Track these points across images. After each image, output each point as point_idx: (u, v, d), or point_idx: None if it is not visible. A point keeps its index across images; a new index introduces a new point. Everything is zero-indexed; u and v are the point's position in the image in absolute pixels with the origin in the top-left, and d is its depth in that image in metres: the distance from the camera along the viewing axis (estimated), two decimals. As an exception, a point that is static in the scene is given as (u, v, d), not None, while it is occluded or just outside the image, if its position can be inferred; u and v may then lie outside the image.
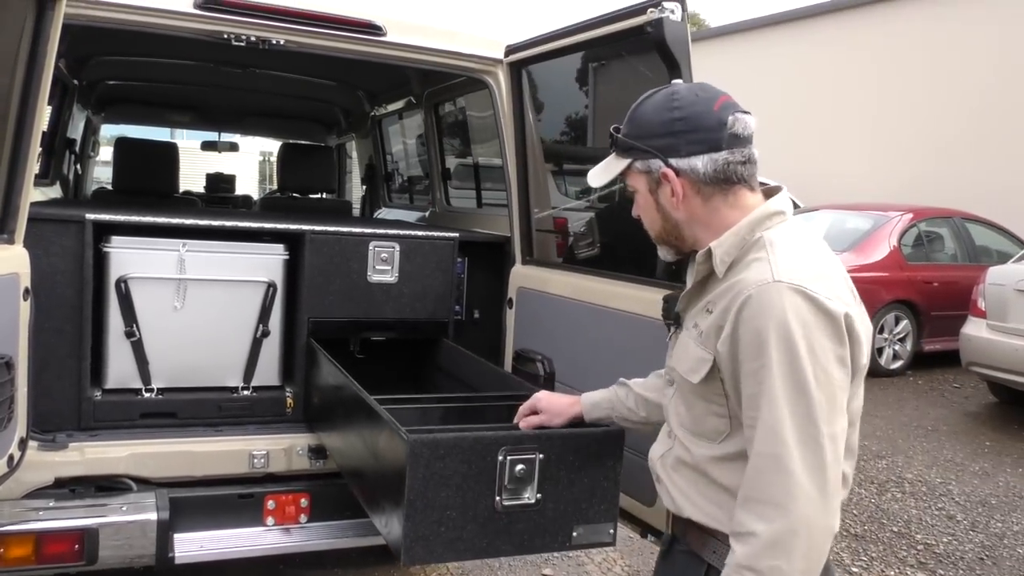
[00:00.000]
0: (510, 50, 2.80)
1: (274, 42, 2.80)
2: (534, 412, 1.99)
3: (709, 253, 1.50)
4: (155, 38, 2.78)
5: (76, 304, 2.65)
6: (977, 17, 12.60)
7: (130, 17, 2.57)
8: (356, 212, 5.80)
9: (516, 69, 2.79)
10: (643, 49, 2.06)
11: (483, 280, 3.31)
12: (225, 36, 2.74)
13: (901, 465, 5.83)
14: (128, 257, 2.74)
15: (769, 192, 1.57)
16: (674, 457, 1.60)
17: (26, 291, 2.29)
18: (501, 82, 3.10)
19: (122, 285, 2.72)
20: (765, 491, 1.35)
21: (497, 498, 1.84)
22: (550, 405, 1.99)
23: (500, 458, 1.83)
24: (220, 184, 6.92)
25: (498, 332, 3.27)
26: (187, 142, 9.83)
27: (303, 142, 6.00)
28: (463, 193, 4.47)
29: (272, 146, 19.21)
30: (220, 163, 9.52)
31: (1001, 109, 12.18)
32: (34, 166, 2.26)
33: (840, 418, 1.37)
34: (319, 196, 5.23)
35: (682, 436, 1.58)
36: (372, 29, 2.88)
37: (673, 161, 1.50)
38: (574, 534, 1.93)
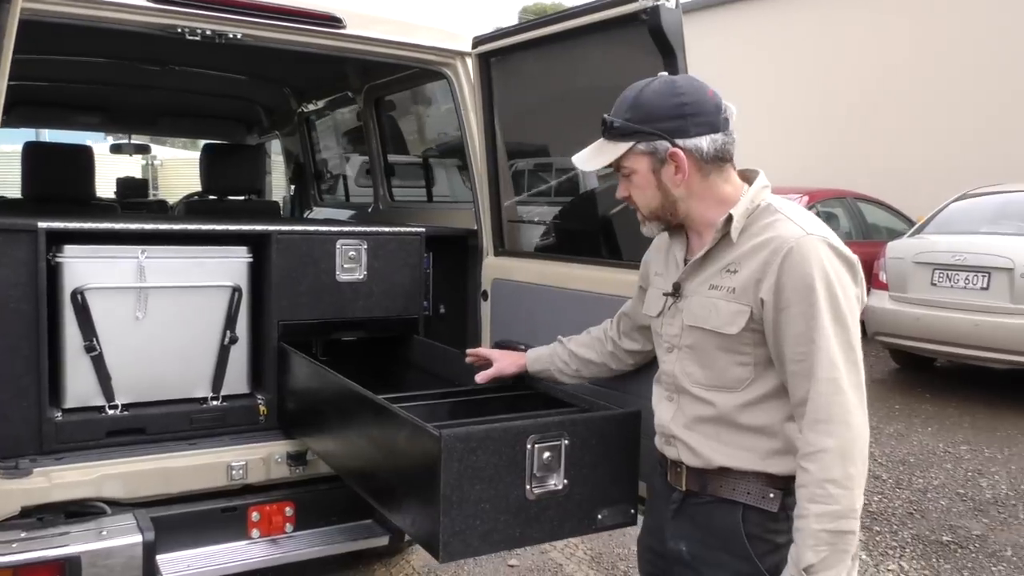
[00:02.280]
0: (478, 41, 2.78)
1: (231, 36, 2.69)
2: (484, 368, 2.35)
3: (729, 220, 1.67)
4: (61, 33, 2.63)
5: (31, 319, 2.46)
6: (857, 17, 13.50)
7: (82, 11, 2.42)
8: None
9: (485, 60, 2.78)
10: (635, 37, 2.09)
11: (448, 274, 3.29)
12: (179, 30, 2.62)
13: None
14: (84, 267, 2.58)
15: (742, 172, 1.77)
16: (688, 416, 1.75)
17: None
18: (461, 74, 3.08)
19: (79, 297, 2.56)
20: (829, 411, 1.52)
21: (528, 487, 1.85)
22: (502, 355, 2.38)
23: (528, 447, 1.84)
24: (132, 189, 6.57)
25: (464, 326, 3.26)
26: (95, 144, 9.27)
27: (226, 142, 5.76)
28: (407, 189, 4.41)
29: (155, 149, 18.41)
30: (114, 167, 9.06)
31: (881, 97, 13.02)
32: None
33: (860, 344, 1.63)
34: (245, 198, 5.05)
35: (699, 393, 1.73)
36: (332, 21, 2.81)
37: (680, 141, 1.67)
38: (599, 516, 1.96)
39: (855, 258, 1.62)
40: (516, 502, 1.83)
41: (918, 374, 7.85)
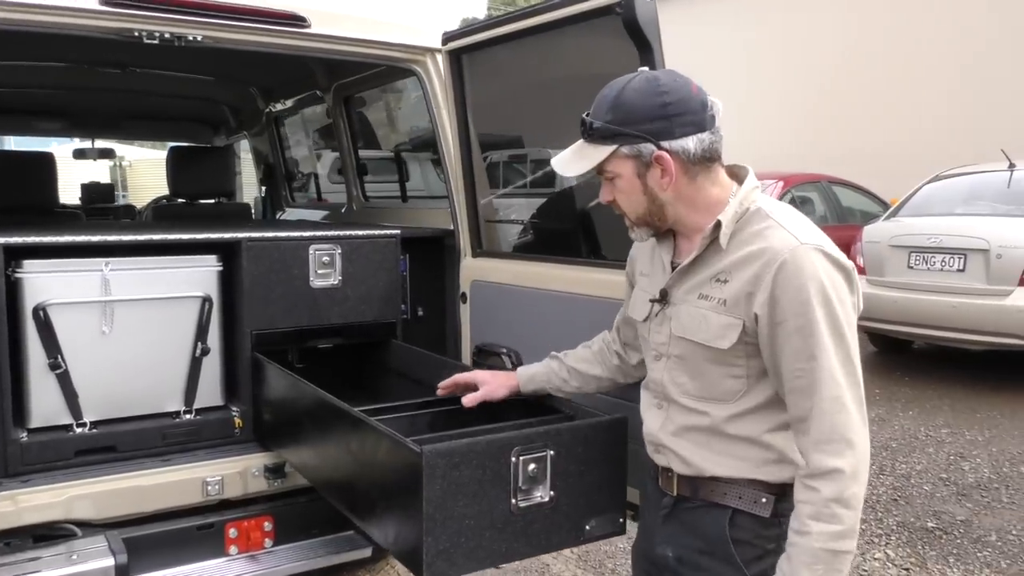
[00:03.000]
0: (448, 37, 2.71)
1: (191, 38, 2.60)
2: (469, 390, 2.14)
3: (717, 226, 1.59)
4: (15, 40, 2.53)
5: None
6: (829, 2, 13.49)
7: (32, 17, 2.31)
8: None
9: (456, 57, 2.71)
10: (610, 30, 2.03)
11: (425, 276, 3.22)
12: (136, 34, 2.52)
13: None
14: (45, 282, 2.48)
15: (731, 170, 1.69)
16: (677, 425, 1.69)
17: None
18: (431, 71, 3.00)
19: (41, 313, 2.46)
20: (836, 431, 1.47)
21: (513, 501, 1.79)
22: (491, 378, 2.14)
23: (513, 459, 1.78)
24: (97, 195, 6.40)
25: (443, 328, 3.19)
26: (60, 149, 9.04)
27: (193, 144, 5.64)
28: (380, 188, 4.33)
29: (124, 149, 18.09)
30: (78, 172, 8.84)
31: (854, 80, 13.09)
32: None
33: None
34: (215, 201, 4.94)
35: (689, 403, 1.67)
36: (296, 21, 2.72)
37: (666, 143, 1.58)
38: (587, 527, 1.91)
39: (851, 265, 1.57)
40: (501, 517, 1.78)
41: (897, 357, 7.90)
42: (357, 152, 4.16)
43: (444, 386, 2.21)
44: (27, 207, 4.20)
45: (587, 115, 1.63)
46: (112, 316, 2.57)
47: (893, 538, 4.21)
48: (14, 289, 2.44)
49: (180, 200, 4.87)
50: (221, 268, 2.74)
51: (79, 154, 6.56)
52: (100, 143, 6.48)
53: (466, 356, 2.94)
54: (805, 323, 1.49)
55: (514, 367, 2.67)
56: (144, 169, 18.42)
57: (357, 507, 2.10)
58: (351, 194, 4.22)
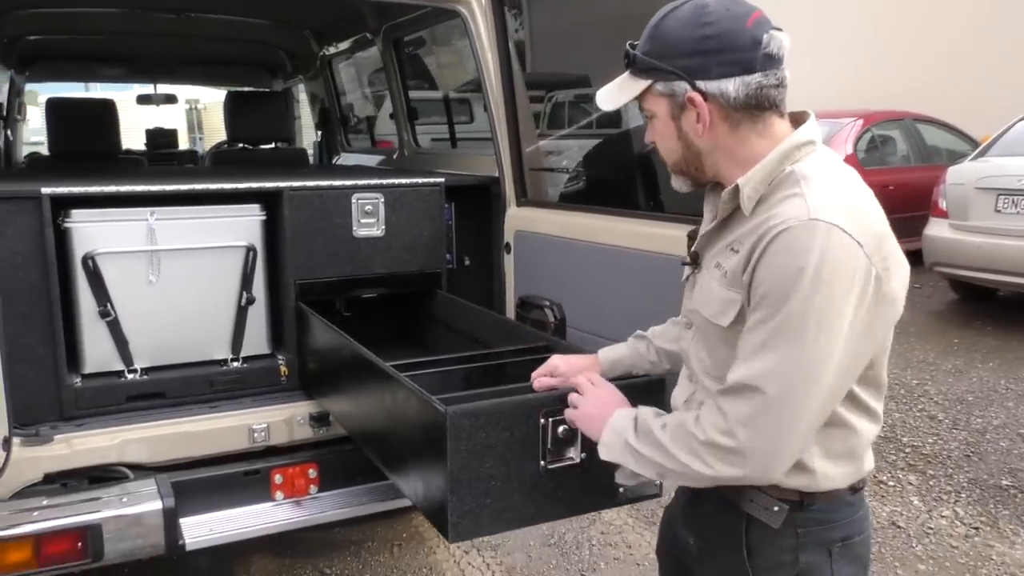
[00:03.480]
0: (490, -26, 2.59)
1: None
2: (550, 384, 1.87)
3: (736, 190, 1.40)
4: None
5: (41, 287, 2.43)
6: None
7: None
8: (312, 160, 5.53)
9: (498, -4, 2.59)
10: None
11: (471, 224, 3.16)
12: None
13: (877, 370, 5.93)
14: (93, 231, 2.51)
15: (796, 118, 1.45)
16: (699, 402, 1.52)
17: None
18: (476, 10, 2.89)
19: (89, 262, 2.51)
20: (732, 419, 1.31)
21: (541, 463, 1.74)
22: (568, 367, 1.86)
23: (542, 421, 1.72)
24: (162, 140, 6.51)
25: (490, 279, 3.14)
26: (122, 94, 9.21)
27: (250, 89, 5.65)
28: (431, 131, 4.25)
29: (199, 93, 18.39)
30: (151, 116, 9.02)
31: (940, 10, 12.20)
32: None
33: (848, 368, 1.31)
34: (272, 146, 4.95)
35: (707, 383, 1.50)
36: (337, -39, 2.63)
37: (701, 84, 1.36)
38: (621, 490, 1.85)
39: (887, 256, 1.29)
40: (530, 478, 1.73)
41: (979, 305, 7.52)
42: (408, 97, 4.08)
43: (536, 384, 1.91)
44: (90, 153, 4.29)
45: (631, 44, 1.44)
46: (159, 265, 2.59)
47: (963, 495, 4.04)
48: (63, 238, 2.48)
49: (239, 145, 4.90)
50: (265, 217, 2.74)
51: (143, 100, 6.67)
52: (162, 88, 6.57)
53: (510, 307, 2.88)
54: (768, 304, 1.28)
55: (556, 320, 2.61)
56: (219, 112, 18.74)
57: (389, 461, 2.09)
58: (402, 139, 4.16)
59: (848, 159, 8.72)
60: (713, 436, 1.32)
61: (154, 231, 2.57)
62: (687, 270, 1.59)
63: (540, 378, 1.86)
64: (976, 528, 3.74)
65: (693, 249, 1.56)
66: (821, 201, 1.29)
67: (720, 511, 1.50)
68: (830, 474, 1.40)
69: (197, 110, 21.05)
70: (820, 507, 1.42)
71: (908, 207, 8.57)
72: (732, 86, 1.36)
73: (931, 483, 4.18)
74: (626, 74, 1.46)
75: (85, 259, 2.50)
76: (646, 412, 1.50)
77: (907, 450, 4.58)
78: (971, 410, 5.14)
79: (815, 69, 13.18)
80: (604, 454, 1.53)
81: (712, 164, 1.45)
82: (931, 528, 3.75)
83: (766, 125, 1.40)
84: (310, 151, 5.68)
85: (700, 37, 1.36)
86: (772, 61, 1.36)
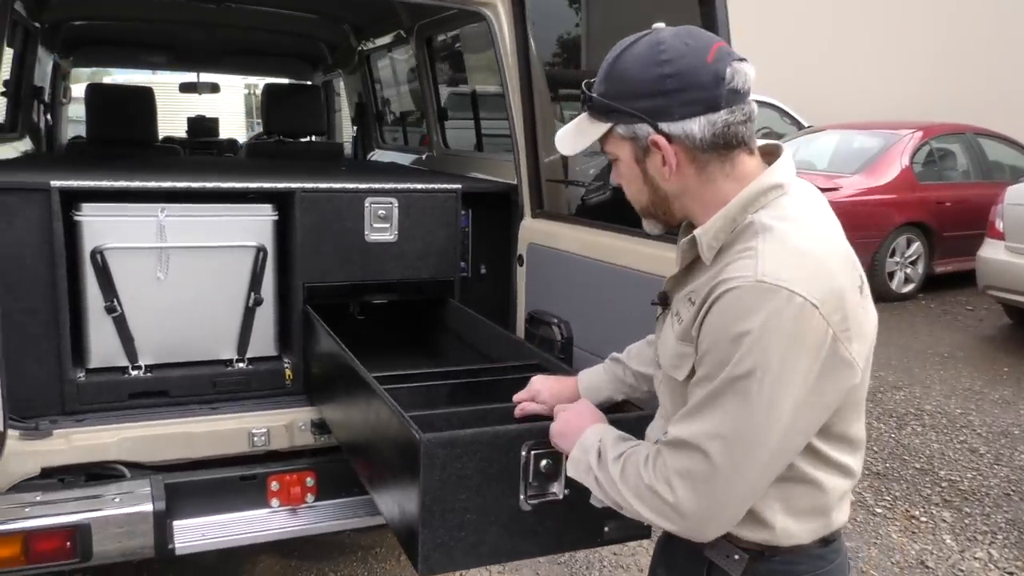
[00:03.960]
0: (512, -21, 2.51)
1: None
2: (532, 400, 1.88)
3: (694, 241, 1.33)
4: None
5: (48, 280, 2.42)
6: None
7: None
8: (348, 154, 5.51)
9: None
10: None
11: (489, 232, 3.08)
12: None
13: (919, 396, 5.71)
14: (102, 225, 2.50)
15: (767, 152, 1.37)
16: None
17: (-13, 274, 2.07)
18: (501, 15, 2.81)
19: (98, 256, 2.49)
20: (667, 470, 1.28)
21: (521, 497, 1.66)
22: (551, 393, 1.86)
23: (523, 453, 1.64)
24: (203, 128, 6.57)
25: (507, 289, 3.06)
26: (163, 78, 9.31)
27: (288, 81, 5.66)
28: (463, 134, 4.19)
29: (256, 78, 18.62)
30: (203, 101, 9.11)
31: (1014, 16, 11.69)
32: None
33: (794, 433, 1.24)
34: (308, 139, 4.95)
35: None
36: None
37: (664, 126, 1.29)
38: (606, 529, 1.76)
39: (856, 320, 1.22)
40: (508, 513, 1.66)
41: (1034, 333, 7.21)
42: (439, 97, 4.02)
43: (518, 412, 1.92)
44: (127, 141, 4.33)
45: (587, 83, 1.37)
46: (167, 262, 2.57)
47: (1000, 537, 3.84)
48: (73, 232, 2.48)
49: (275, 137, 4.90)
50: (276, 218, 2.70)
51: (185, 88, 6.73)
52: (205, 77, 6.62)
53: (519, 321, 2.80)
54: (708, 363, 1.22)
55: (563, 339, 2.53)
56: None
57: (371, 477, 2.04)
58: (432, 140, 4.10)
59: (903, 173, 8.43)
60: (655, 484, 1.28)
61: (164, 228, 2.55)
62: (658, 309, 1.52)
63: (523, 404, 1.85)
64: (1011, 573, 3.55)
65: (663, 290, 1.49)
66: (773, 260, 1.21)
67: (686, 554, 1.44)
68: (792, 530, 1.33)
69: (256, 95, 21.33)
70: (783, 559, 1.35)
71: (964, 225, 8.26)
72: (697, 126, 1.28)
73: (966, 521, 3.99)
74: (584, 115, 1.39)
75: (94, 253, 2.49)
76: (611, 436, 1.44)
77: (943, 484, 4.38)
78: (1016, 445, 4.90)
79: (878, 79, 12.80)
80: (571, 471, 1.49)
81: (681, 207, 1.39)
82: (962, 570, 3.57)
83: (734, 164, 1.32)
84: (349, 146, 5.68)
85: (659, 76, 1.28)
86: (737, 96, 1.28)
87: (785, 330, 1.17)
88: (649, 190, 1.38)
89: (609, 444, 1.41)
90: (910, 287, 8.51)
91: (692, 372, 1.30)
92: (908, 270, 8.48)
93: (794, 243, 1.24)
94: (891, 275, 8.34)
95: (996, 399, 5.67)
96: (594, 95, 1.34)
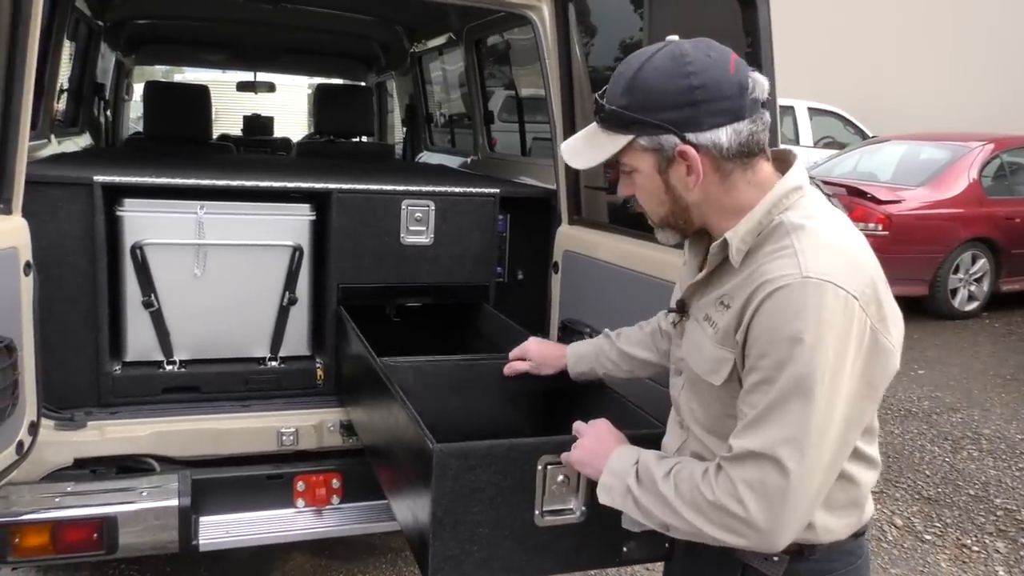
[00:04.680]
0: (555, -19, 2.46)
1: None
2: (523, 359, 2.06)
3: (724, 244, 1.33)
4: None
5: (89, 273, 2.46)
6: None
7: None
8: (399, 155, 5.54)
9: (563, 3, 2.46)
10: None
11: (528, 237, 3.04)
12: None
13: (977, 419, 5.47)
14: (143, 221, 2.54)
15: (779, 158, 1.39)
16: (691, 451, 1.47)
17: (27, 265, 2.10)
18: (546, 19, 2.76)
19: (138, 252, 2.53)
20: (736, 489, 1.24)
21: (536, 512, 1.62)
22: (540, 354, 2.06)
23: (539, 467, 1.60)
24: (258, 127, 6.68)
25: (543, 296, 3.02)
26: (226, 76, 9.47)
27: (339, 82, 5.71)
28: (510, 138, 4.16)
29: (316, 78, 18.88)
30: (265, 101, 9.26)
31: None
32: (27, 123, 2.05)
33: (854, 426, 1.26)
34: (358, 140, 4.98)
35: (699, 433, 1.45)
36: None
37: (692, 136, 1.31)
38: (624, 549, 1.71)
39: (890, 310, 1.26)
40: (522, 528, 1.61)
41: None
42: (486, 100, 4.00)
43: (508, 368, 2.11)
44: (182, 138, 4.42)
45: (600, 95, 1.37)
46: (205, 259, 2.60)
47: (1053, 570, 3.65)
48: (115, 226, 2.52)
49: (326, 137, 4.94)
50: (314, 218, 2.70)
51: (243, 87, 6.85)
52: (262, 76, 6.73)
53: (553, 329, 2.75)
54: (768, 366, 1.22)
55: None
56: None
57: (390, 484, 2.02)
58: (477, 143, 4.09)
59: (971, 186, 8.12)
60: (723, 499, 1.24)
61: (203, 224, 2.58)
62: (673, 316, 1.53)
63: (513, 362, 2.05)
64: (1068, 612, 3.37)
65: (680, 297, 1.49)
66: (813, 256, 1.24)
67: (718, 561, 1.43)
68: (831, 526, 1.36)
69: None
70: (820, 557, 1.38)
71: (1034, 243, 7.93)
72: (724, 136, 1.31)
73: (1021, 553, 3.80)
74: (595, 128, 1.40)
75: (133, 248, 2.53)
76: (649, 457, 1.41)
77: (999, 513, 4.18)
78: (1079, 474, 4.66)
79: (948, 90, 12.38)
80: (604, 498, 1.45)
81: (699, 215, 1.40)
82: (1008, 602, 3.40)
83: (755, 171, 1.35)
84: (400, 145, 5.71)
85: (686, 88, 1.29)
86: (757, 105, 1.32)
87: (836, 325, 1.20)
88: (670, 200, 1.38)
89: (652, 464, 1.39)
90: (974, 305, 8.19)
91: (731, 376, 1.31)
92: (972, 287, 8.16)
93: (828, 239, 1.27)
94: (954, 292, 8.04)
95: (1050, 421, 5.41)
96: (615, 108, 1.33)
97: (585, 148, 1.41)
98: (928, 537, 3.92)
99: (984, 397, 5.91)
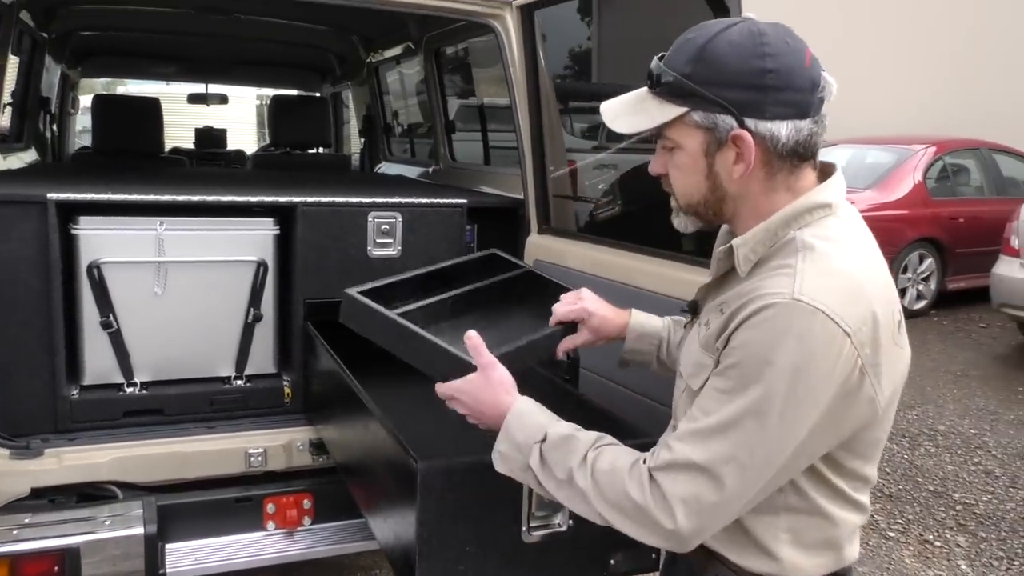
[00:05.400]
0: (520, -9, 2.45)
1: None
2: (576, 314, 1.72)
3: (730, 251, 1.26)
4: None
5: (44, 294, 2.37)
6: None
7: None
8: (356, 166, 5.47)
9: (528, 12, 2.45)
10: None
11: (495, 247, 3.00)
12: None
13: (932, 416, 5.61)
14: (100, 239, 2.45)
15: (822, 170, 1.29)
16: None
17: (-21, 287, 2.02)
18: (510, 28, 2.75)
19: (95, 271, 2.44)
20: (668, 496, 1.18)
21: (523, 528, 1.59)
22: (599, 315, 1.70)
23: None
24: (210, 139, 6.54)
25: (513, 305, 3.00)
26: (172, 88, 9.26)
27: (295, 93, 5.63)
28: (470, 148, 4.14)
29: (267, 89, 18.66)
30: (214, 112, 9.09)
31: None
32: None
33: (801, 458, 1.18)
34: (315, 151, 4.91)
35: None
36: (362, -30, 2.53)
37: (751, 122, 1.20)
38: (612, 562, 1.69)
39: (889, 354, 1.17)
40: (510, 544, 1.59)
41: (1049, 351, 7.09)
42: (447, 110, 3.97)
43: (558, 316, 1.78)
44: (133, 151, 4.30)
45: (660, 58, 1.25)
46: (166, 277, 2.52)
47: (1016, 563, 3.74)
48: (70, 245, 2.43)
49: (282, 149, 4.86)
50: (278, 232, 2.64)
51: (194, 99, 6.70)
52: (214, 88, 6.59)
53: (525, 341, 2.72)
54: (733, 376, 1.15)
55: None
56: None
57: (368, 502, 1.97)
58: (439, 153, 4.05)
59: (916, 188, 8.35)
60: (651, 508, 1.18)
61: (163, 241, 2.50)
62: (686, 317, 1.47)
63: (563, 307, 1.73)
64: (1029, 602, 3.46)
65: (693, 299, 1.42)
66: (812, 281, 1.15)
67: None
68: (800, 564, 1.27)
69: (267, 106, 21.38)
70: None
71: (977, 242, 8.17)
72: (784, 130, 1.20)
73: (982, 546, 3.89)
74: (645, 93, 1.27)
75: (90, 267, 2.44)
76: (556, 434, 1.30)
77: (958, 507, 4.28)
78: (1033, 468, 4.79)
79: (891, 94, 12.70)
80: (500, 467, 1.36)
81: (733, 210, 1.30)
82: (978, 598, 3.48)
83: (798, 177, 1.26)
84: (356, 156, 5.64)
85: (760, 70, 1.18)
86: (822, 106, 1.23)
87: (816, 354, 1.12)
88: (708, 187, 1.28)
89: (562, 447, 1.28)
90: (922, 304, 8.41)
91: (707, 382, 1.22)
92: (920, 287, 8.39)
93: (836, 266, 1.18)
94: (903, 292, 8.24)
95: (1011, 419, 5.56)
96: (670, 76, 1.22)
97: (629, 113, 1.28)
98: (892, 534, 3.98)
99: (937, 394, 6.06)
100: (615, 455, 1.26)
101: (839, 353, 1.13)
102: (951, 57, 12.46)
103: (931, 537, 3.97)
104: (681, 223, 1.37)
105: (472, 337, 1.44)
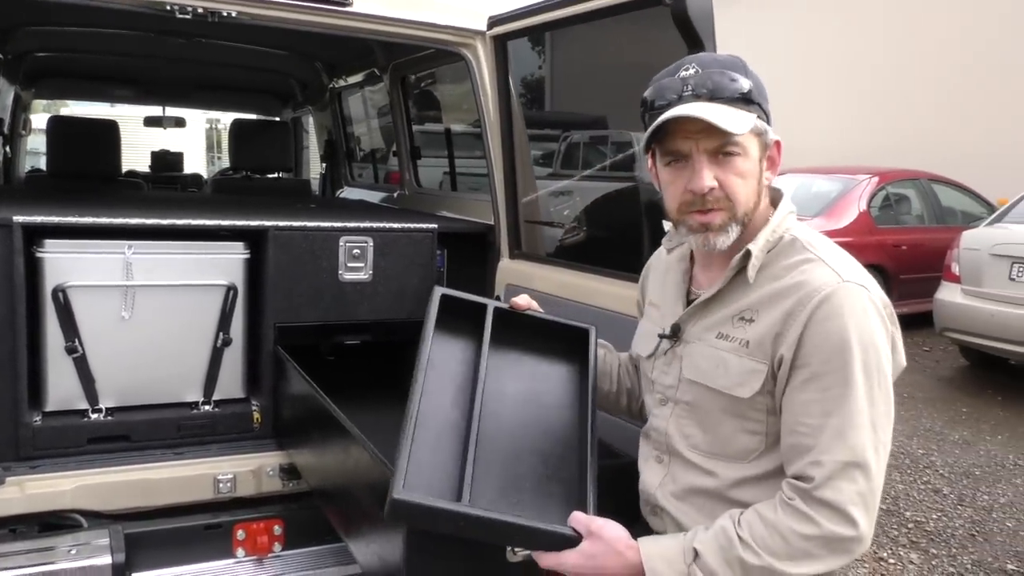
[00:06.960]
0: (493, 22, 2.50)
1: (224, 14, 2.46)
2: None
3: (747, 255, 1.35)
4: (77, 7, 2.44)
5: (7, 318, 2.31)
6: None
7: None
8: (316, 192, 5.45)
9: (501, 42, 2.50)
10: (658, 23, 1.79)
11: (465, 272, 3.04)
12: (168, 8, 2.41)
13: (882, 437, 5.75)
14: (66, 263, 2.41)
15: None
16: (681, 485, 1.44)
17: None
18: (481, 56, 2.80)
19: (60, 295, 2.40)
20: (840, 505, 1.25)
21: (509, 548, 1.60)
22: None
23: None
24: (167, 163, 6.45)
25: (482, 329, 3.02)
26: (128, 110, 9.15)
27: (256, 117, 5.60)
28: (435, 174, 4.17)
29: (220, 113, 18.47)
30: (166, 135, 8.96)
31: (965, 67, 12.12)
32: None
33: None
34: (275, 176, 4.88)
35: (696, 460, 1.42)
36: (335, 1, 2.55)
37: (771, 131, 1.40)
38: None
39: (897, 326, 1.38)
40: (497, 568, 1.59)
41: (989, 374, 7.34)
42: (412, 136, 4.00)
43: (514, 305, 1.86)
44: (89, 174, 4.22)
45: (732, 72, 1.34)
46: (133, 301, 2.49)
47: (966, 580, 3.86)
48: (35, 268, 2.38)
49: (242, 173, 4.82)
50: (248, 256, 2.63)
51: (150, 122, 6.61)
52: (171, 111, 6.52)
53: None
54: (831, 371, 1.27)
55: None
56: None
57: (348, 527, 1.96)
58: (404, 178, 4.07)
59: (862, 216, 8.61)
60: (833, 527, 1.23)
61: (131, 265, 2.47)
62: (658, 342, 1.51)
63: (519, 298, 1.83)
64: (979, 617, 3.56)
65: (675, 322, 1.48)
66: (844, 264, 1.33)
67: None
68: None
69: (217, 130, 21.12)
70: None
71: (920, 268, 8.44)
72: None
73: (933, 563, 4.00)
74: (720, 105, 1.32)
75: (55, 291, 2.39)
76: (701, 540, 1.30)
77: (910, 525, 4.40)
78: (978, 485, 4.95)
79: (831, 126, 13.12)
80: None
81: (752, 219, 1.43)
82: (932, 614, 3.57)
83: (767, 187, 1.44)
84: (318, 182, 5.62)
85: (764, 86, 1.37)
86: None
87: (875, 329, 1.29)
88: (756, 193, 1.39)
89: (706, 548, 1.28)
90: (869, 328, 8.64)
91: (762, 388, 1.32)
92: (867, 312, 8.61)
93: (841, 253, 1.36)
94: (850, 316, 8.46)
95: (956, 440, 5.74)
96: (749, 86, 1.35)
97: (733, 115, 1.32)
98: (847, 552, 4.07)
99: (885, 415, 6.22)
100: (757, 515, 1.28)
101: (882, 323, 1.31)
102: (892, 90, 12.93)
103: (885, 555, 4.07)
104: (722, 241, 1.38)
105: (576, 518, 1.39)
